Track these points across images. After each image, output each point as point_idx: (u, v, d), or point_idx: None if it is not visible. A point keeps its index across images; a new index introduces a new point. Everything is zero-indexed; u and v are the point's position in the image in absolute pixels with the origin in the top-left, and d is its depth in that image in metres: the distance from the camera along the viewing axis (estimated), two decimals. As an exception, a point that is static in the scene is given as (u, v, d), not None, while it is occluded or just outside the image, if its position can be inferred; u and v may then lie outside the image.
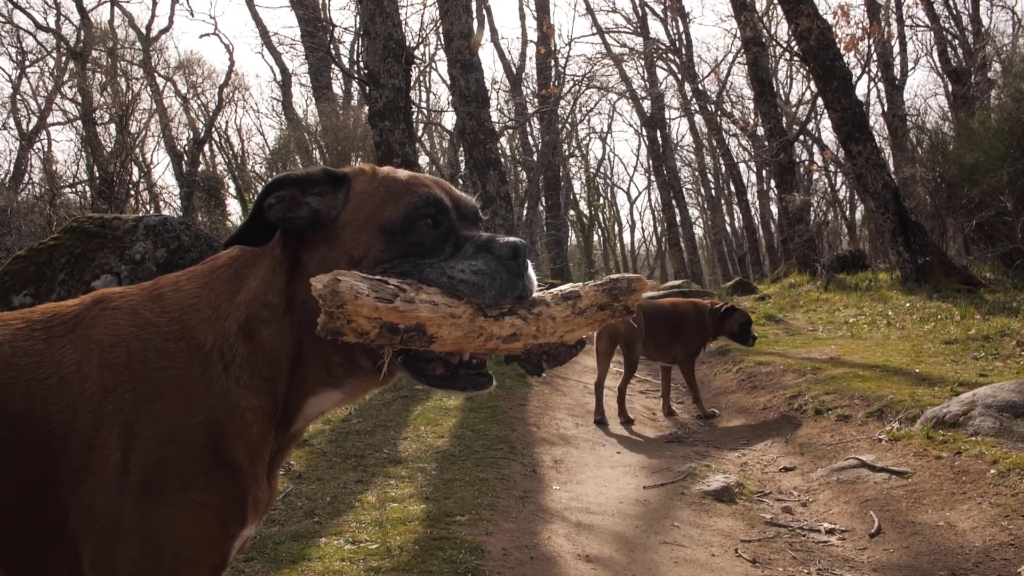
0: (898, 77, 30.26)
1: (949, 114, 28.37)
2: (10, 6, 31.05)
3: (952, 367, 7.59)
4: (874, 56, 28.55)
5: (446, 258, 1.59)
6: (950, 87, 28.22)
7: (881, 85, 31.27)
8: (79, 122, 30.90)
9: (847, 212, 38.82)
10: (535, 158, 24.96)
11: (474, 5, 21.52)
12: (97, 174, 27.59)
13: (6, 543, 1.57)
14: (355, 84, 25.81)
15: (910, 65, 35.15)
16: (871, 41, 23.45)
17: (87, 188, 27.75)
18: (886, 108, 30.47)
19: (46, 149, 33.96)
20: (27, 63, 33.08)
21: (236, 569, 3.63)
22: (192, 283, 1.73)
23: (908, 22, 32.15)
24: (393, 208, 1.63)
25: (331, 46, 21.01)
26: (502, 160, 21.81)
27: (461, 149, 17.77)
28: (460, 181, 23.99)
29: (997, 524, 4.19)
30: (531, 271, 1.62)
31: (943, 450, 5.30)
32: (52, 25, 32.58)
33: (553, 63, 28.20)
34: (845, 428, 6.51)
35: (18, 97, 32.83)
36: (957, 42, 30.14)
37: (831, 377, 7.83)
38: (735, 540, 4.53)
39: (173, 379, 1.59)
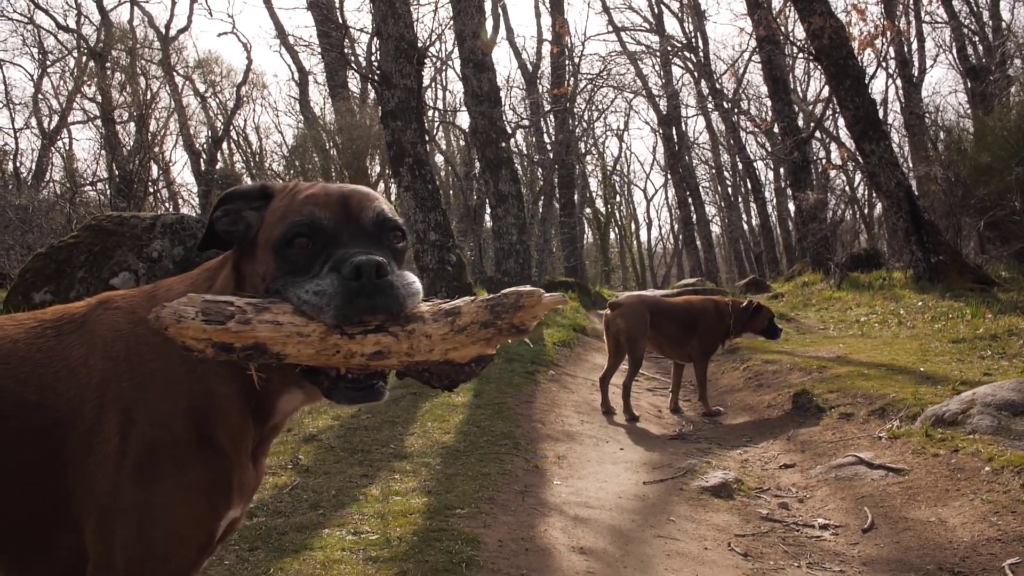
0: (916, 74, 30.07)
1: (968, 111, 28.21)
2: (32, 7, 31.49)
3: (957, 366, 7.62)
4: (891, 53, 28.43)
5: (311, 277, 1.62)
6: (969, 84, 28.05)
7: (899, 82, 31.13)
8: (99, 121, 31.33)
9: (865, 210, 38.67)
10: (550, 156, 25.04)
11: (489, 4, 21.66)
12: (116, 172, 27.95)
13: (19, 526, 1.72)
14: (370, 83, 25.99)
15: (929, 62, 34.82)
16: (887, 38, 23.34)
17: (107, 186, 28.13)
18: (904, 105, 30.30)
19: (67, 148, 34.44)
20: (48, 63, 33.63)
21: (240, 557, 3.76)
22: (181, 284, 1.89)
23: (927, 18, 31.98)
24: (279, 228, 1.70)
25: (345, 46, 21.19)
26: (516, 158, 21.93)
27: (474, 148, 17.88)
28: (475, 180, 24.12)
29: (987, 520, 4.26)
30: (399, 286, 1.61)
31: (940, 448, 5.36)
32: (73, 25, 33.05)
33: (567, 61, 28.26)
34: (847, 426, 6.58)
35: (39, 96, 33.34)
36: (977, 38, 29.94)
37: (836, 376, 7.89)
38: (729, 534, 4.62)
39: (161, 370, 1.74)
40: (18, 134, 38.54)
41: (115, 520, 1.67)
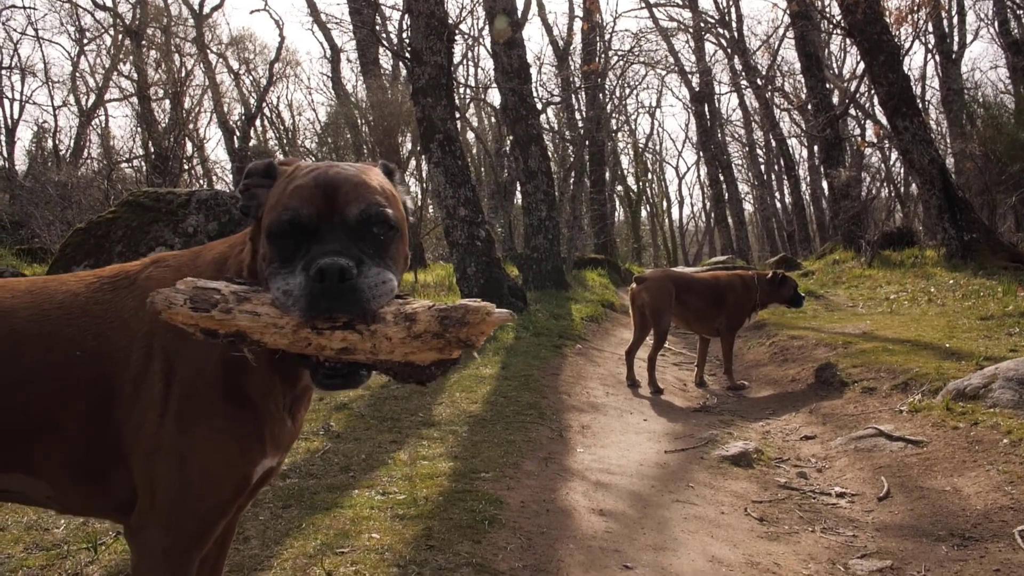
0: (955, 49, 29.51)
1: (1009, 87, 27.68)
2: (69, -15, 31.92)
3: (984, 343, 7.63)
4: (929, 28, 27.92)
5: (288, 271, 1.68)
6: (1011, 58, 27.47)
7: (938, 57, 30.56)
8: (135, 98, 31.79)
9: (900, 188, 38.16)
10: (580, 132, 25.00)
11: (520, -20, 21.56)
12: (152, 149, 28.41)
13: (81, 461, 1.91)
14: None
15: (969, 36, 34.17)
16: (925, 13, 22.94)
17: (143, 163, 28.59)
18: (942, 80, 29.78)
19: (104, 125, 35.00)
20: (85, 41, 34.09)
21: (274, 514, 3.95)
22: (223, 245, 2.05)
23: (968, -8, 31.30)
24: (271, 216, 1.77)
25: (376, 24, 21.28)
26: (547, 135, 21.94)
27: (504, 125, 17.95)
28: (505, 157, 24.17)
29: (1001, 489, 4.33)
30: (362, 289, 1.65)
31: (960, 421, 5.42)
32: (109, 4, 33.44)
33: (598, 38, 28.11)
34: (869, 400, 6.64)
35: (77, 75, 33.88)
36: (1021, 11, 29.27)
37: (861, 351, 7.93)
38: (746, 501, 4.74)
39: None
40: (57, 112, 39.39)
41: (158, 459, 1.84)
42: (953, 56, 29.07)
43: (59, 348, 1.89)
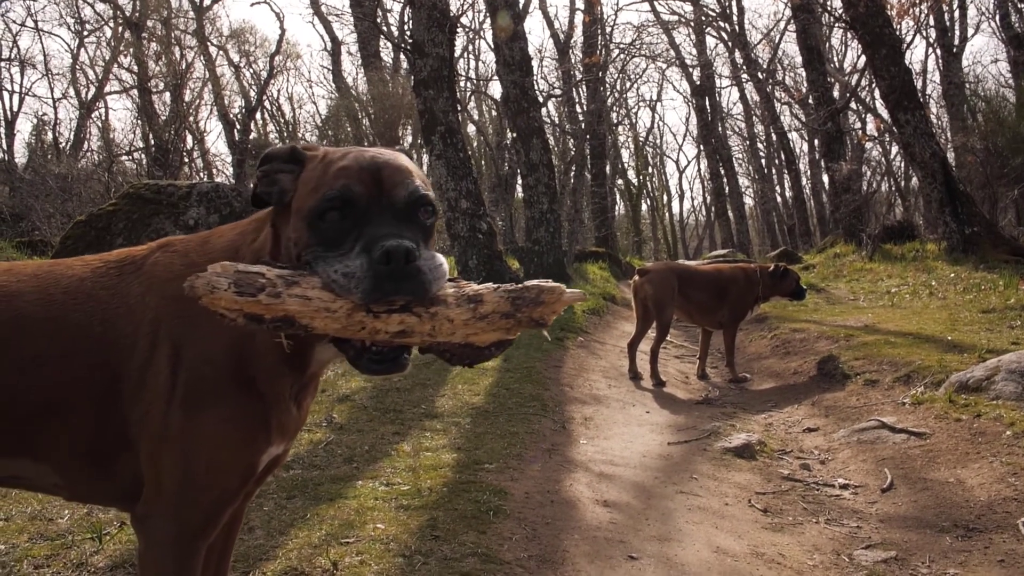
0: (956, 43, 29.46)
1: (1010, 81, 27.62)
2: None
3: (986, 335, 7.63)
4: (931, 22, 27.88)
5: (342, 253, 1.65)
6: (1012, 53, 27.42)
7: (939, 51, 30.52)
8: (135, 91, 31.74)
9: (901, 182, 38.14)
10: (581, 126, 24.98)
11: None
12: (152, 142, 28.36)
13: (85, 447, 1.90)
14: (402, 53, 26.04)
15: (970, 31, 34.14)
16: (926, 6, 22.89)
17: (143, 155, 28.56)
18: (943, 74, 29.75)
19: (104, 118, 34.93)
20: (85, 33, 34.00)
21: (279, 504, 3.95)
22: (233, 231, 2.01)
23: (969, -15, 31.26)
24: (313, 198, 1.72)
25: (378, 15, 21.24)
26: (548, 128, 21.90)
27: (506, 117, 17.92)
28: (506, 150, 24.15)
29: (1005, 481, 4.34)
30: (425, 271, 1.64)
31: (963, 413, 5.42)
32: (109, -5, 33.30)
33: (599, 31, 28.04)
34: (871, 392, 6.64)
35: (77, 67, 33.81)
36: (1022, 5, 29.22)
37: (863, 344, 7.93)
38: (750, 492, 4.74)
39: (207, 311, 1.86)
40: (57, 104, 39.30)
41: (164, 446, 1.83)
42: (954, 50, 29.04)
43: (65, 333, 1.87)
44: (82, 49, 34.29)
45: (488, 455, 4.86)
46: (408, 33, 14.09)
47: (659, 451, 5.56)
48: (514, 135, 15.54)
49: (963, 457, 4.83)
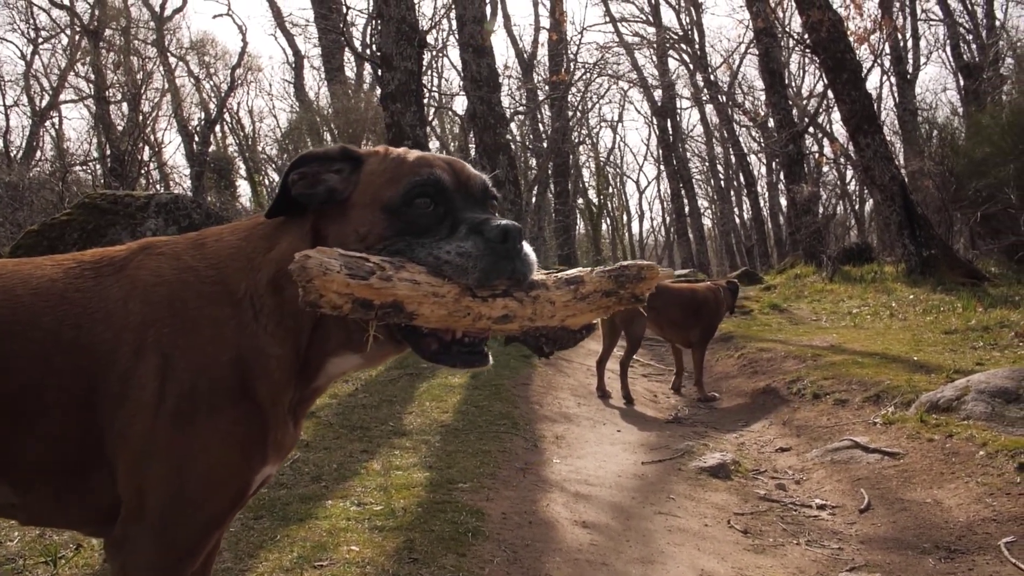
0: (910, 71, 30.19)
1: (960, 109, 28.35)
2: (25, -17, 31.20)
3: (950, 356, 7.70)
4: (886, 50, 28.54)
5: (440, 238, 1.63)
6: (962, 82, 28.16)
7: (894, 79, 31.23)
8: (91, 100, 31.10)
9: (856, 205, 38.87)
10: (545, 144, 25.03)
11: (487, -10, 21.52)
12: (108, 152, 27.78)
13: (54, 461, 1.71)
14: (367, 67, 25.92)
15: (922, 60, 35.14)
16: (883, 35, 23.41)
17: (98, 166, 27.97)
18: (897, 102, 30.43)
19: (58, 126, 34.18)
20: (40, 40, 33.29)
21: (246, 525, 3.78)
22: (234, 235, 1.86)
23: (922, 16, 32.12)
24: (394, 188, 1.69)
25: (344, 28, 21.11)
26: (512, 145, 21.89)
27: (471, 133, 17.86)
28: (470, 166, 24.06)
29: (982, 501, 4.32)
30: (529, 253, 1.64)
31: (935, 433, 5.43)
32: (66, 2, 32.69)
33: (564, 50, 28.22)
34: (842, 412, 6.65)
35: (31, 73, 33.06)
36: (971, 37, 30.07)
37: (830, 363, 7.96)
38: (728, 513, 4.67)
39: (208, 318, 1.72)
40: (8, 111, 38.35)
41: (149, 464, 1.66)
42: (908, 77, 29.73)
43: (34, 338, 1.69)
44: (36, 56, 33.61)
45: (461, 474, 4.73)
46: (375, 46, 13.98)
47: (633, 470, 5.48)
48: (480, 151, 15.46)
49: (938, 477, 4.82)
